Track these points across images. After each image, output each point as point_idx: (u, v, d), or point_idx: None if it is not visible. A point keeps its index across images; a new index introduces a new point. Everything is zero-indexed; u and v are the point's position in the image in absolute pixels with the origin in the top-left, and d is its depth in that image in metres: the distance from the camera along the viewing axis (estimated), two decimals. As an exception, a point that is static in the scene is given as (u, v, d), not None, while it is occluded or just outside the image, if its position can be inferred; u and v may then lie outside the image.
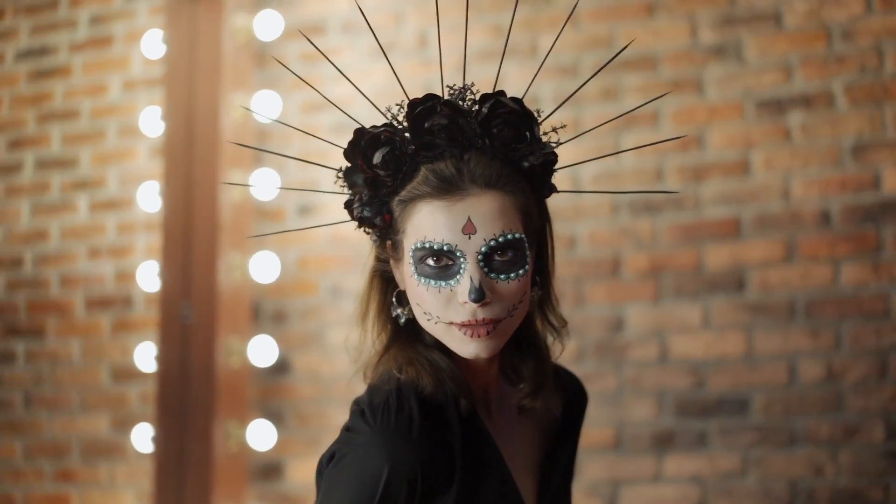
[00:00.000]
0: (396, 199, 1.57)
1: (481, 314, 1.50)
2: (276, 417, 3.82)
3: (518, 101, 1.56)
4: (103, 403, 4.09)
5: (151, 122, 3.92)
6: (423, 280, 1.52)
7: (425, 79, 3.69)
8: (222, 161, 3.71)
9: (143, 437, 3.78)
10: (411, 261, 1.54)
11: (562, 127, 1.65)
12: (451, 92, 1.58)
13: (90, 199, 4.21)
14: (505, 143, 1.54)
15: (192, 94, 3.75)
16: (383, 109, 1.61)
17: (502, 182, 1.52)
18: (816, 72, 3.36)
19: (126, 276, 4.12)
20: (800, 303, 3.29)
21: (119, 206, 4.17)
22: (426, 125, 1.53)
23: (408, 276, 1.56)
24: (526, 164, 1.56)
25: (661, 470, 3.35)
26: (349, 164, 1.62)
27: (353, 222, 1.68)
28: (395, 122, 1.58)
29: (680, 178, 3.45)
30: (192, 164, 3.72)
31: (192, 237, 3.69)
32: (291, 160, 3.95)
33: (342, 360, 3.81)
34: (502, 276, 1.50)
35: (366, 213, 1.60)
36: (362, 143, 1.57)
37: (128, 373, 4.07)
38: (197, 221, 3.69)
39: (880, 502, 3.14)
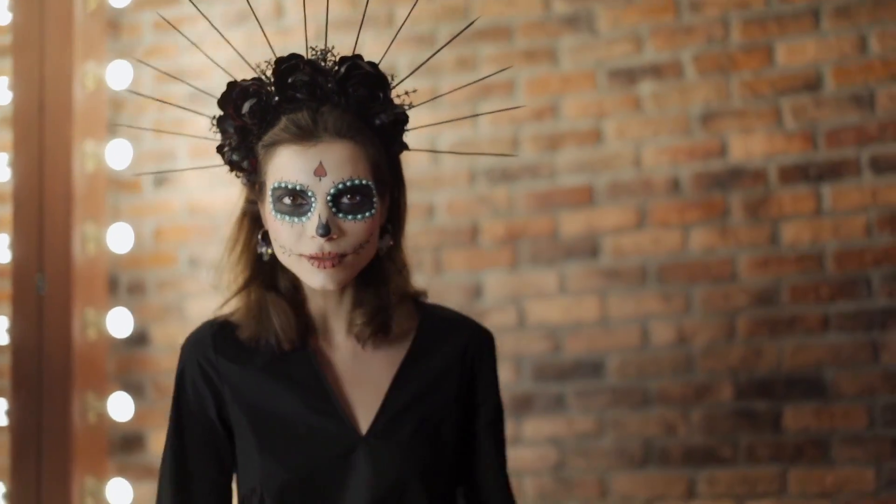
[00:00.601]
0: (260, 144, 1.75)
1: (328, 248, 1.69)
2: (135, 389, 3.78)
3: (373, 65, 1.76)
4: (-45, 379, 4.00)
5: None
6: (279, 216, 1.70)
7: (281, 48, 3.64)
8: (74, 131, 3.63)
9: (-5, 411, 3.71)
10: (271, 199, 1.72)
11: (413, 91, 1.88)
12: (314, 53, 1.79)
13: (-63, 170, 4.09)
14: (359, 101, 1.74)
15: (42, 63, 3.66)
16: (238, 77, 1.81)
17: (353, 133, 1.72)
18: (666, 42, 3.44)
19: (-24, 249, 4.02)
20: (652, 268, 3.38)
21: (-32, 177, 4.07)
22: (289, 80, 1.73)
23: (268, 213, 1.75)
24: (378, 121, 1.76)
25: (520, 433, 3.41)
26: (221, 113, 1.81)
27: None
28: (262, 77, 1.78)
29: (535, 147, 3.50)
30: (43, 133, 3.64)
31: (44, 208, 3.61)
32: (146, 130, 3.90)
33: (202, 330, 3.78)
34: (349, 217, 1.70)
35: (235, 157, 1.80)
36: (233, 95, 1.76)
37: (-20, 347, 3.99)
38: (49, 192, 3.62)
39: (730, 458, 3.25)
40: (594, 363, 3.39)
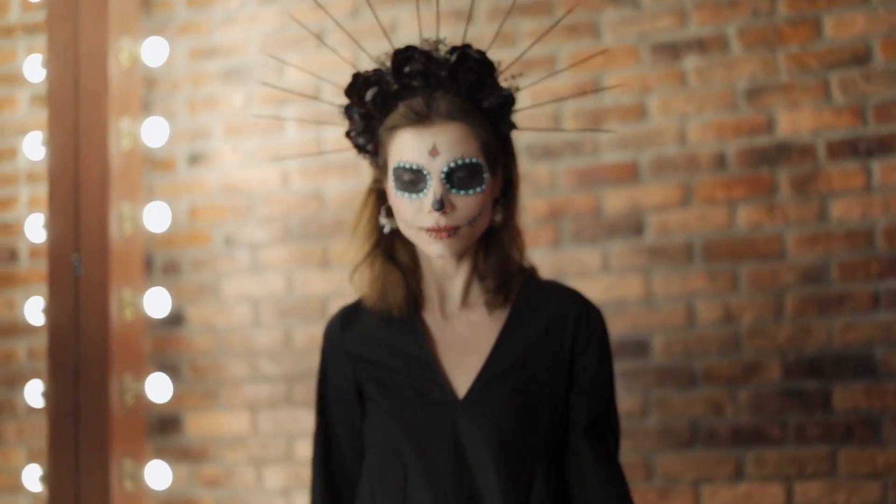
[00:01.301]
0: (382, 128, 1.94)
1: (443, 221, 1.86)
2: (171, 370, 3.75)
3: (481, 53, 1.92)
4: (-11, 361, 3.97)
5: (34, 68, 3.77)
6: (400, 193, 1.90)
7: (317, 24, 3.61)
8: (110, 108, 3.59)
9: (34, 393, 3.67)
10: (393, 178, 1.91)
11: (520, 75, 2.03)
12: (427, 44, 1.95)
13: (-32, 149, 4.06)
14: (469, 86, 1.91)
15: (77, 40, 3.61)
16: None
17: (463, 115, 1.88)
18: (710, 16, 3.38)
19: (8, 229, 3.99)
20: (697, 245, 3.33)
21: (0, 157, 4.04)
22: (406, 70, 1.90)
23: (390, 190, 1.93)
24: (486, 103, 1.92)
25: (563, 413, 3.37)
26: (349, 102, 1.98)
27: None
28: (382, 67, 1.95)
29: (577, 123, 3.45)
30: (78, 111, 3.59)
31: (80, 187, 3.57)
32: (179, 107, 3.86)
33: (238, 311, 3.75)
34: (462, 192, 1.86)
35: (361, 141, 1.99)
36: (357, 85, 1.95)
37: (14, 328, 3.95)
38: (85, 170, 3.58)
39: (779, 438, 3.21)
40: (639, 342, 3.34)
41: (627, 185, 3.40)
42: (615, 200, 3.41)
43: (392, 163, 1.92)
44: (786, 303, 3.24)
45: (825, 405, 3.19)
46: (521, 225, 2.08)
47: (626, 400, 3.32)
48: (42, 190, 3.85)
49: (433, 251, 1.91)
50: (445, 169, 1.86)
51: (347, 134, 2.02)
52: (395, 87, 1.92)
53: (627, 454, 3.30)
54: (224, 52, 3.81)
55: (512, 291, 2.01)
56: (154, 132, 3.70)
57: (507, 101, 1.97)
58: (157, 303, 3.66)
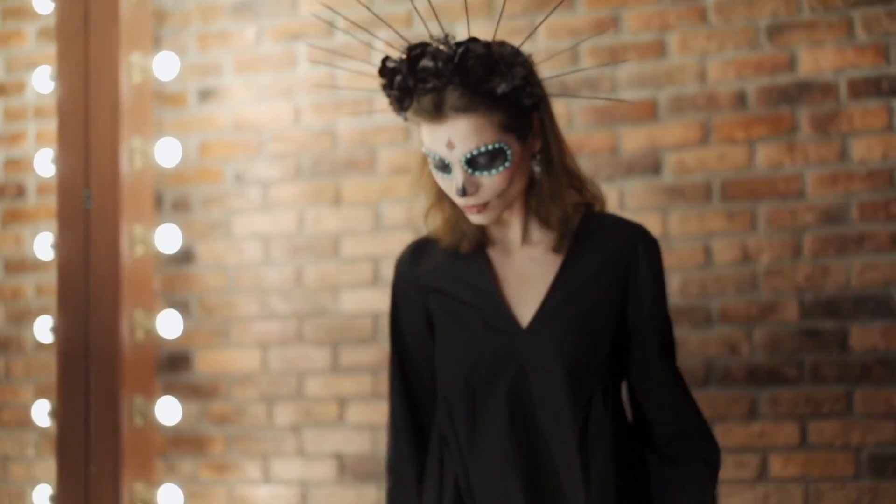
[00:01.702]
0: (410, 114, 2.00)
1: (470, 201, 1.99)
2: (182, 307, 3.73)
3: (486, 45, 1.94)
4: (-4, 297, 3.95)
5: (42, 3, 3.72)
6: (435, 171, 2.02)
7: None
8: (121, 41, 3.54)
9: (43, 329, 3.64)
10: (428, 156, 2.02)
11: (529, 56, 2.03)
12: (435, 40, 1.97)
13: (-25, 83, 4.02)
14: (478, 79, 1.92)
15: (87, -29, 3.57)
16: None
17: (474, 107, 1.93)
18: (732, -48, 3.34)
19: (17, 165, 3.95)
20: (715, 185, 3.30)
21: (7, 91, 3.98)
22: (418, 66, 1.93)
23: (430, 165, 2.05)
24: (499, 91, 1.94)
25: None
26: (383, 82, 2.01)
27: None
28: (402, 59, 1.98)
29: (594, 60, 3.41)
30: (87, 44, 3.55)
31: (90, 121, 3.54)
32: (189, 41, 3.81)
33: (249, 248, 3.72)
34: (485, 173, 1.96)
35: (404, 116, 2.03)
36: (385, 73, 1.98)
37: (22, 264, 3.92)
38: (94, 104, 3.54)
39: (795, 379, 3.20)
40: (655, 282, 3.31)
41: (645, 124, 3.37)
42: (633, 139, 3.38)
43: (423, 146, 2.02)
44: (804, 243, 3.22)
45: (842, 345, 3.17)
46: (571, 164, 2.11)
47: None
48: (51, 125, 3.80)
49: (471, 219, 2.04)
50: (463, 159, 1.95)
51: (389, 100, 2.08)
52: (412, 81, 1.96)
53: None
54: (235, -13, 3.77)
55: (570, 228, 2.08)
56: (165, 66, 3.65)
57: (521, 82, 1.96)
58: (167, 239, 3.63)
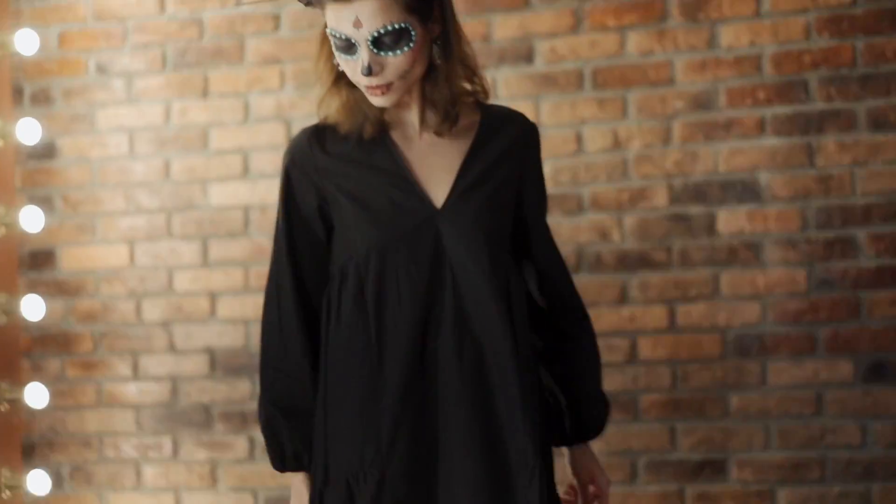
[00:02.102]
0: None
1: (374, 81, 1.99)
2: (44, 203, 3.61)
3: None
4: None
5: None
6: (338, 53, 2.01)
7: None
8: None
9: None
10: (331, 39, 2.02)
11: None
12: None
13: None
14: None
15: None
16: None
17: None
18: None
19: None
20: (587, 72, 3.32)
21: None
22: None
23: (332, 48, 2.04)
24: None
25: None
26: None
27: None
28: None
29: (467, -52, 3.39)
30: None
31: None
32: (50, -73, 3.67)
33: (114, 143, 3.63)
34: (389, 53, 1.97)
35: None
36: None
37: None
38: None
39: (664, 263, 3.26)
40: (527, 170, 3.33)
41: (518, 11, 3.36)
42: (505, 27, 3.37)
43: (327, 27, 2.01)
44: (674, 129, 3.27)
45: (710, 230, 3.24)
46: (469, 51, 2.12)
47: (513, 227, 3.32)
48: None
49: (373, 102, 2.04)
50: (370, 38, 1.95)
51: None
52: None
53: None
54: None
55: (464, 116, 2.11)
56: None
57: None
58: (27, 132, 3.50)
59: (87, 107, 3.64)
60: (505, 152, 2.14)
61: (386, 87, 2.01)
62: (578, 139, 3.32)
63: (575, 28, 3.33)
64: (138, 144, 3.61)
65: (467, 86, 2.14)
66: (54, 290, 3.63)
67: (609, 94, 3.30)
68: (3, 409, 3.42)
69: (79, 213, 3.64)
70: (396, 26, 1.95)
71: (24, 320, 3.50)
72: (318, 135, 2.14)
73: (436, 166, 2.11)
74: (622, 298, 3.29)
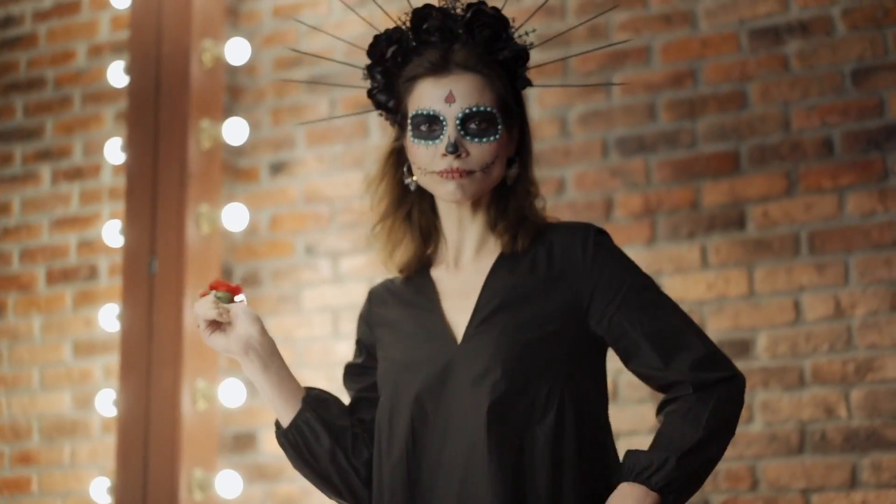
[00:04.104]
0: (401, 80, 2.00)
1: (456, 164, 1.92)
2: (248, 382, 3.59)
3: (496, 9, 2.01)
4: (65, 381, 3.86)
5: (117, 75, 3.73)
6: (417, 140, 1.96)
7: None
8: (191, 110, 3.53)
9: (105, 403, 3.54)
10: (411, 126, 1.97)
11: (533, 31, 2.07)
12: (443, 3, 2.02)
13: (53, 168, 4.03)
14: (484, 40, 1.99)
15: (160, 41, 3.58)
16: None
17: (480, 66, 1.96)
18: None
19: (90, 247, 3.92)
20: (804, 236, 3.11)
21: (83, 174, 3.99)
22: (424, 26, 1.98)
23: (408, 140, 1.99)
24: (501, 56, 2.00)
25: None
26: (370, 62, 2.04)
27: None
28: (402, 27, 2.02)
29: (671, 115, 3.29)
30: (158, 110, 3.55)
31: (158, 189, 3.50)
32: (265, 115, 3.78)
33: (319, 322, 3.61)
34: (476, 139, 1.93)
35: (382, 98, 2.04)
36: (379, 43, 2.02)
37: (91, 346, 3.85)
38: (163, 172, 3.50)
39: (897, 441, 2.94)
40: (741, 341, 3.12)
41: (727, 177, 3.21)
42: (714, 192, 3.22)
43: (411, 111, 1.97)
44: (902, 293, 3.01)
45: (950, 404, 2.92)
46: (535, 178, 2.07)
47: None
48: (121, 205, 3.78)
49: (446, 190, 1.95)
50: (460, 115, 1.92)
51: (369, 93, 2.07)
52: (414, 43, 2.00)
53: (730, 462, 3.05)
54: (311, 62, 3.75)
55: (523, 240, 2.01)
56: (235, 132, 3.62)
57: (522, 54, 2.03)
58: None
59: (294, 288, 3.66)
60: (542, 265, 1.98)
61: (466, 172, 1.93)
62: (797, 307, 3.09)
63: (788, 190, 3.15)
64: (341, 324, 3.57)
65: (532, 208, 2.05)
66: (255, 473, 3.56)
67: (828, 258, 3.07)
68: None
69: (282, 394, 3.59)
70: (488, 109, 1.93)
71: (221, 499, 3.44)
72: (379, 287, 2.16)
73: (469, 292, 2.00)
74: (852, 482, 2.97)
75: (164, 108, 3.56)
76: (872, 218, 3.06)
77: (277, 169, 3.74)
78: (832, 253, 3.09)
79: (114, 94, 3.91)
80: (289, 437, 2.01)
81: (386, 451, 1.96)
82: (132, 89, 3.62)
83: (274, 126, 3.77)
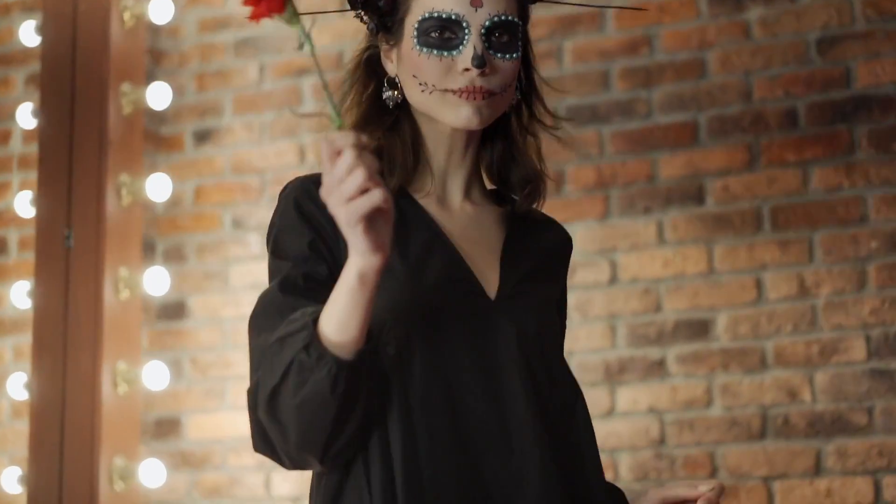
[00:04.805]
0: None
1: (479, 82, 1.60)
2: (172, 365, 3.39)
3: None
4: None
5: (28, 34, 3.49)
6: (424, 50, 1.61)
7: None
8: (111, 72, 3.31)
9: (16, 387, 3.31)
10: (414, 34, 1.62)
11: None
12: None
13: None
14: None
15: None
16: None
17: None
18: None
19: (-1, 218, 3.69)
20: (766, 212, 3.01)
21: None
22: None
23: (407, 51, 1.64)
24: None
25: (615, 403, 3.04)
26: None
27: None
28: None
29: (625, 83, 3.16)
30: (74, 75, 3.32)
31: (74, 157, 3.28)
32: (189, 79, 3.57)
33: (248, 301, 3.40)
34: (500, 55, 1.61)
35: None
36: None
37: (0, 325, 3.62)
38: (80, 139, 3.28)
39: (864, 426, 2.83)
40: (700, 321, 3.02)
41: (686, 149, 3.09)
42: (671, 166, 3.10)
43: (416, 16, 1.63)
44: (869, 273, 2.92)
45: (917, 387, 2.83)
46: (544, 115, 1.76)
47: (685, 387, 2.97)
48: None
49: (460, 116, 1.61)
50: (488, 23, 1.60)
51: None
52: None
53: (688, 448, 2.96)
54: (238, 25, 3.55)
55: (531, 200, 1.75)
56: (158, 97, 3.41)
57: None
58: (156, 285, 3.33)
59: (220, 264, 3.46)
60: (552, 253, 1.79)
61: (488, 93, 1.61)
62: (759, 286, 2.98)
63: (751, 164, 3.03)
64: (273, 303, 3.39)
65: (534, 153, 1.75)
66: (179, 460, 3.37)
67: (792, 235, 2.97)
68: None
69: (207, 377, 3.41)
70: (514, 19, 1.62)
71: (144, 488, 3.24)
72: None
73: (480, 246, 1.69)
74: (816, 469, 2.88)
75: (81, 71, 3.34)
76: (838, 193, 2.97)
77: (203, 137, 3.55)
78: (796, 229, 2.99)
79: (25, 54, 3.68)
80: (366, 364, 1.46)
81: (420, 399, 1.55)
82: (45, 50, 3.39)
83: (199, 91, 3.57)
